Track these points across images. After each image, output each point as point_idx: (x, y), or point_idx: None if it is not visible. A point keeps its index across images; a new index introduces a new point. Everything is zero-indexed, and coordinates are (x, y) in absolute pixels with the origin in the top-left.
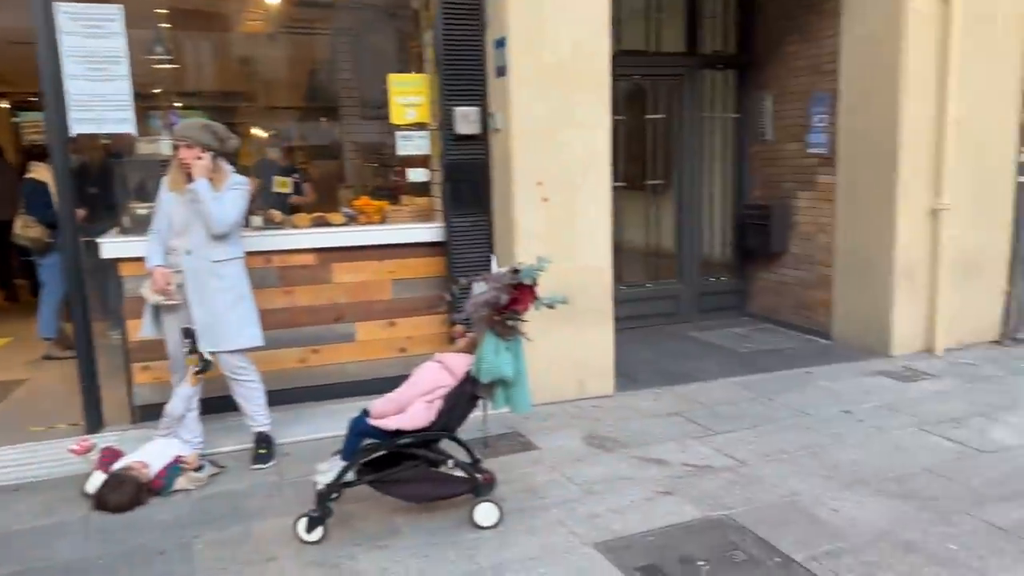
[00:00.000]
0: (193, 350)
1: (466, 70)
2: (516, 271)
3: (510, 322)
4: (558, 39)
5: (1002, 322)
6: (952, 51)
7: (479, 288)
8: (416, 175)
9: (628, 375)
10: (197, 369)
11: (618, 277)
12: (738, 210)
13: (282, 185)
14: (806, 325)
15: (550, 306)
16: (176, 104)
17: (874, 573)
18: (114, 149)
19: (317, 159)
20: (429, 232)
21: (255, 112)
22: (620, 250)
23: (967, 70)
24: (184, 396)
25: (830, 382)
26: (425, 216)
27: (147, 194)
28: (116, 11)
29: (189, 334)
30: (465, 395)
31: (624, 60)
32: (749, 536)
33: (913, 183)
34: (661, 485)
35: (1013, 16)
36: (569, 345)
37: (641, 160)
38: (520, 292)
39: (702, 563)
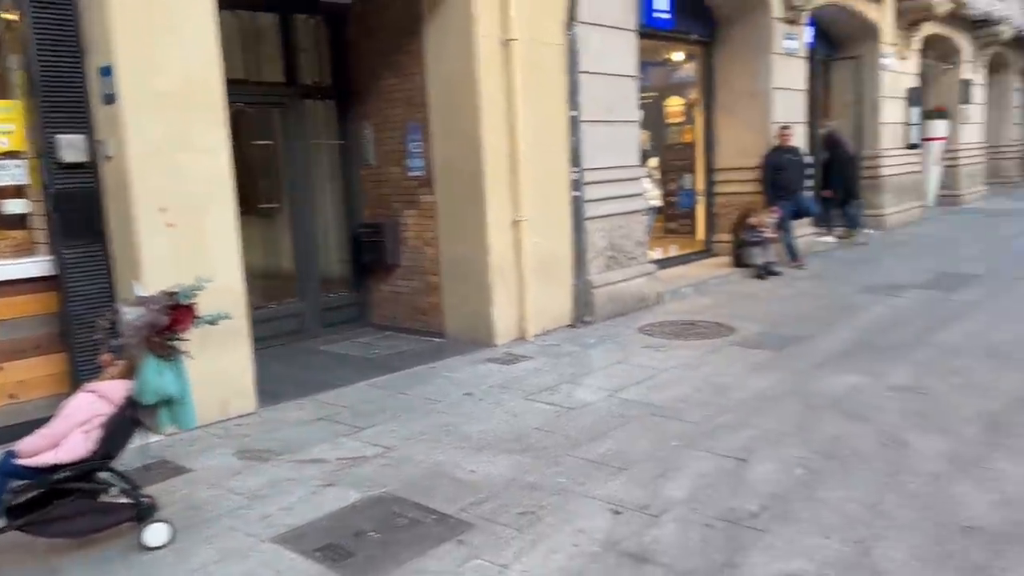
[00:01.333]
0: None
1: (68, 97)
2: (173, 293)
3: (170, 342)
4: (169, 66)
5: (573, 309)
6: (516, 90)
7: (134, 312)
8: (13, 207)
9: (269, 392)
10: None
11: None
12: (352, 229)
13: None
14: (422, 328)
15: (212, 322)
16: None
17: (510, 510)
18: None
19: None
20: (34, 267)
21: None
22: None
23: (530, 106)
24: None
25: (451, 372)
26: (25, 250)
27: None
28: None
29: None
30: (126, 420)
31: (227, 88)
32: (407, 504)
33: (497, 200)
34: (322, 480)
35: (554, 63)
36: (208, 367)
37: (252, 185)
38: (179, 312)
39: (372, 533)
